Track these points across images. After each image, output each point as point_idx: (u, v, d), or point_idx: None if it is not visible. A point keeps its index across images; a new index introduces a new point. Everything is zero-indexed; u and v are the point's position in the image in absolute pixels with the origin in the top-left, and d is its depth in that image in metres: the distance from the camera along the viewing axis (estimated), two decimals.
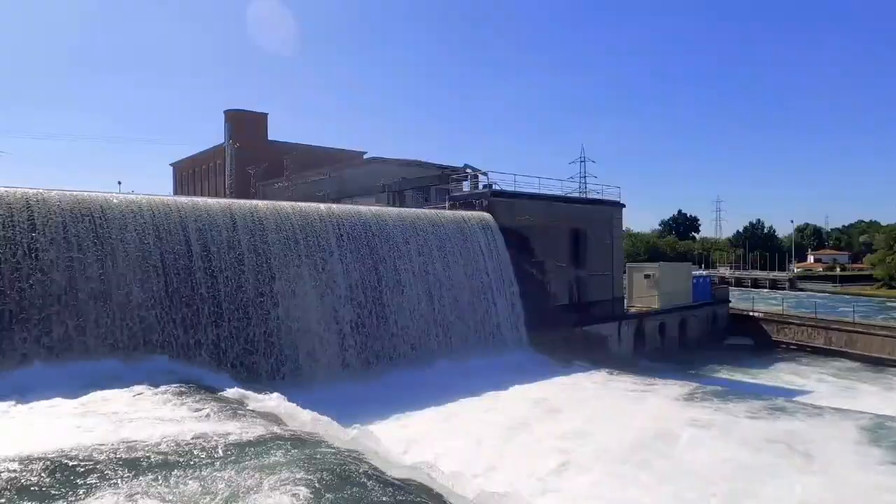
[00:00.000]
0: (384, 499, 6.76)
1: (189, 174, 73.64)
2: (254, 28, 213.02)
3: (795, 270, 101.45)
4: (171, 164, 79.42)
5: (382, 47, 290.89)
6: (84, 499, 6.84)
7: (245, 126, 60.13)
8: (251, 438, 9.24)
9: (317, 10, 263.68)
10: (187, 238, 17.54)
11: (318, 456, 8.35)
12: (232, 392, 13.42)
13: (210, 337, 17.08)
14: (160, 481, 7.29)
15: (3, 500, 6.76)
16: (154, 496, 6.88)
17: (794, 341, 35.49)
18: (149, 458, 8.15)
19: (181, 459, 8.08)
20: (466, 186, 32.68)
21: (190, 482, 7.24)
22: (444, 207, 28.96)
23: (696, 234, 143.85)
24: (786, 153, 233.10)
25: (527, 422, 15.72)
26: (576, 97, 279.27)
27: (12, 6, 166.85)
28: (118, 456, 8.17)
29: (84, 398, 11.74)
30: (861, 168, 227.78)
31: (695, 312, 37.28)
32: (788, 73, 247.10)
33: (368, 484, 7.19)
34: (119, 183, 55.26)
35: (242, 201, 21.66)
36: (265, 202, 21.34)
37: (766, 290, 74.72)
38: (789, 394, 23.39)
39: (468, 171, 32.99)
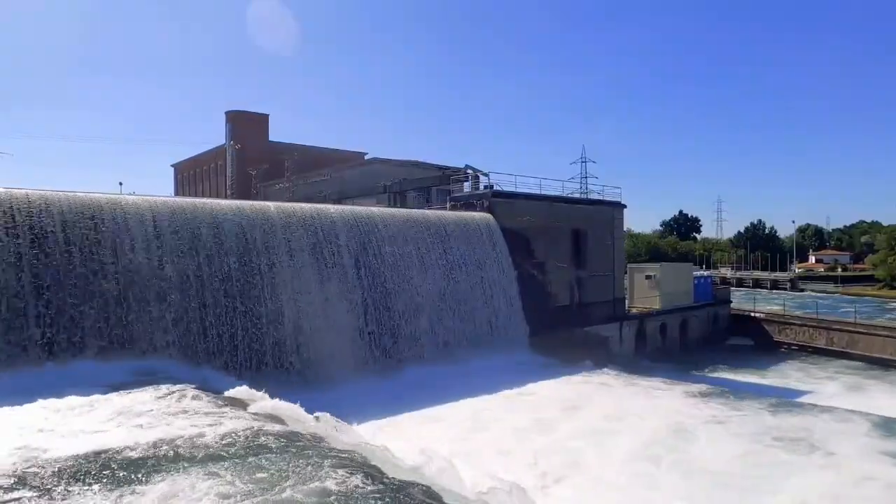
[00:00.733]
0: (384, 499, 6.77)
1: (190, 175, 73.79)
2: (254, 28, 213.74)
3: (797, 271, 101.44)
4: (172, 165, 79.66)
5: (382, 47, 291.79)
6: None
7: (246, 127, 60.26)
8: (251, 438, 9.24)
9: (317, 10, 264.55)
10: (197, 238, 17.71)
11: (319, 456, 8.35)
12: (236, 392, 13.42)
13: (222, 338, 17.28)
14: (159, 481, 7.30)
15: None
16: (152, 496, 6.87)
17: (795, 342, 35.45)
18: (149, 458, 8.16)
19: (158, 463, 8.09)
20: (467, 187, 32.66)
21: (188, 482, 7.23)
22: (445, 208, 28.96)
23: (697, 235, 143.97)
24: (787, 153, 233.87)
25: (535, 421, 15.61)
26: (576, 97, 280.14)
27: (12, 6, 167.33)
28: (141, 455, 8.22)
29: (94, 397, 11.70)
30: (862, 168, 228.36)
31: (696, 313, 37.24)
32: (788, 73, 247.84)
33: (369, 484, 7.19)
34: (120, 184, 55.35)
35: (251, 202, 21.90)
36: (275, 203, 21.61)
37: (767, 291, 74.73)
38: (798, 393, 23.51)
39: (469, 171, 32.95)
